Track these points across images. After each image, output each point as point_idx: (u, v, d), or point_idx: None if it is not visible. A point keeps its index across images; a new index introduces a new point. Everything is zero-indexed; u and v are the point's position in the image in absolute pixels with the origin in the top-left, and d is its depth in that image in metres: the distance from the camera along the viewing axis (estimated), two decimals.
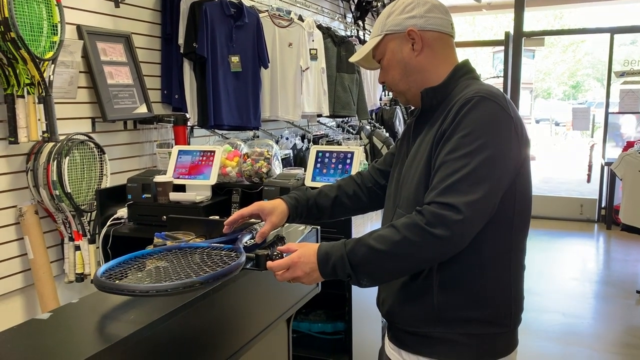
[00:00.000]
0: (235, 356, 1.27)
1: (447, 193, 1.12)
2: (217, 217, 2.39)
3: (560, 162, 13.05)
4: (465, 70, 1.31)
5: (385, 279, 1.25)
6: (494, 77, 8.45)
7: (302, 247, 1.22)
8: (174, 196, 2.45)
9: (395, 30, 1.29)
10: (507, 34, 6.74)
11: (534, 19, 18.53)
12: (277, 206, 1.43)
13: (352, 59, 1.41)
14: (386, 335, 1.40)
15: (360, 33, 6.00)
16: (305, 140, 4.40)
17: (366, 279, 1.17)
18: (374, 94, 5.71)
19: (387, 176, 1.46)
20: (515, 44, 6.72)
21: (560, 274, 4.84)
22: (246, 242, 1.39)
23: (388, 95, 6.98)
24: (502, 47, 6.98)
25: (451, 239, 1.11)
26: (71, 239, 2.60)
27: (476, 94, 1.18)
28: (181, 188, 2.52)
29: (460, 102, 1.18)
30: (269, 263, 1.22)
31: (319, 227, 1.71)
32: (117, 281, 1.05)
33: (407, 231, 1.12)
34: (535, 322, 3.76)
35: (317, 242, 1.73)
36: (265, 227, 1.39)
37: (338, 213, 1.53)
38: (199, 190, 2.49)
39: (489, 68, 15.78)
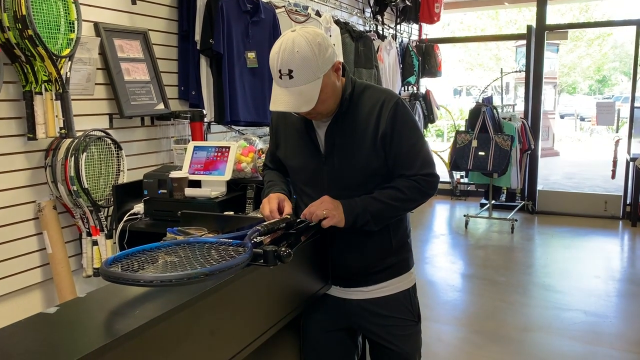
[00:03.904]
0: (243, 352, 1.26)
1: (425, 167, 1.65)
2: (231, 213, 2.40)
3: (584, 157, 12.82)
4: (349, 73, 1.67)
5: (386, 223, 1.69)
6: (515, 71, 8.30)
7: None
8: (189, 192, 2.47)
9: (328, 68, 1.53)
10: (529, 28, 6.62)
11: (558, 13, 18.19)
12: (285, 196, 1.74)
13: (303, 110, 1.52)
14: (336, 287, 1.77)
15: (379, 28, 5.96)
16: None
17: (376, 224, 1.63)
18: (393, 90, 5.67)
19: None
20: (537, 38, 6.60)
21: (582, 272, 4.75)
22: (255, 239, 1.38)
23: (407, 90, 6.94)
24: (525, 41, 6.87)
25: (434, 193, 1.71)
26: (89, 234, 2.64)
27: (393, 99, 1.63)
28: (197, 184, 2.53)
29: (390, 107, 1.61)
30: (305, 210, 1.61)
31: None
32: (122, 271, 1.06)
33: (411, 193, 1.63)
34: (556, 320, 3.70)
35: (328, 236, 1.72)
36: (288, 209, 1.67)
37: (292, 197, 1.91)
38: (214, 186, 2.50)
39: (511, 62, 15.54)
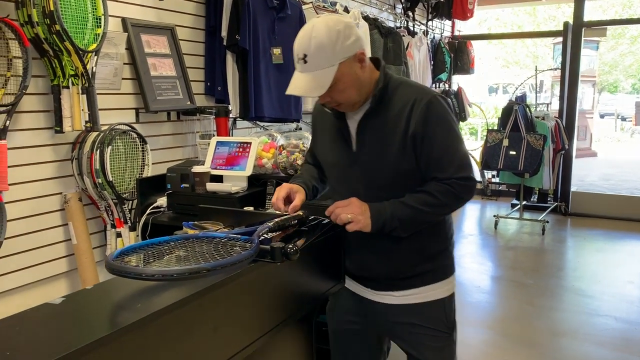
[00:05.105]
0: (249, 349, 1.26)
1: (460, 170, 1.55)
2: (251, 208, 2.41)
3: (623, 158, 12.43)
4: (384, 68, 1.60)
5: (416, 230, 1.60)
6: (551, 69, 8.09)
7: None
8: (210, 186, 2.49)
9: (347, 57, 1.48)
10: (566, 24, 6.45)
11: (600, 9, 17.64)
12: (300, 188, 1.70)
13: (312, 95, 1.53)
14: (364, 286, 1.72)
15: (410, 24, 5.89)
16: None
17: (404, 231, 1.56)
18: None
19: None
20: (574, 35, 6.42)
21: (615, 277, 4.61)
22: (264, 235, 1.38)
23: (439, 87, 6.84)
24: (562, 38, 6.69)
25: (470, 198, 1.61)
26: (113, 226, 2.68)
27: (426, 97, 1.54)
28: (219, 178, 2.55)
29: (422, 105, 1.53)
30: (330, 207, 1.56)
31: None
32: (126, 264, 1.07)
33: (444, 197, 1.54)
34: (584, 325, 3.60)
35: (342, 234, 1.70)
36: (297, 202, 1.62)
37: (320, 192, 1.87)
38: (235, 181, 2.52)
39: (549, 60, 15.16)
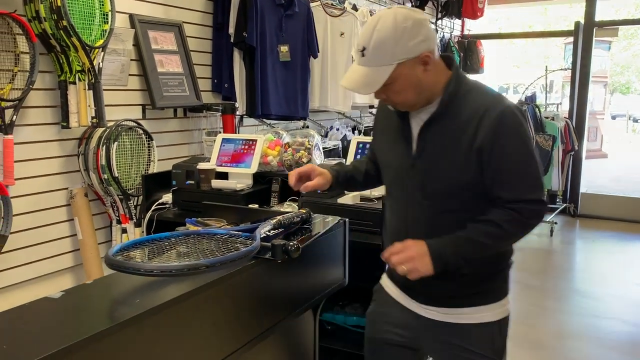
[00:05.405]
0: (249, 345, 1.26)
1: (530, 191, 1.41)
2: (256, 206, 2.41)
3: (635, 160, 12.31)
4: (457, 69, 1.47)
5: (479, 261, 1.47)
6: (562, 69, 8.05)
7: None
8: (216, 183, 2.49)
9: (407, 57, 1.35)
10: (577, 24, 6.39)
11: (612, 9, 17.49)
12: (325, 172, 1.65)
13: (361, 92, 1.45)
14: (411, 298, 1.58)
15: None
16: (356, 132, 4.35)
17: (469, 266, 1.44)
18: None
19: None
20: (585, 35, 6.36)
21: (623, 279, 4.56)
22: (267, 232, 1.38)
23: None
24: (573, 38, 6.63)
25: (538, 224, 1.46)
26: (119, 222, 2.69)
27: (499, 106, 1.39)
28: (224, 176, 2.55)
29: (494, 116, 1.38)
30: (385, 253, 1.41)
31: (347, 220, 1.68)
32: (125, 260, 1.07)
33: (511, 227, 1.40)
34: (590, 327, 3.57)
35: (345, 233, 1.69)
36: (312, 182, 1.61)
37: (365, 187, 1.83)
38: (240, 178, 2.51)
39: (559, 60, 15.05)
